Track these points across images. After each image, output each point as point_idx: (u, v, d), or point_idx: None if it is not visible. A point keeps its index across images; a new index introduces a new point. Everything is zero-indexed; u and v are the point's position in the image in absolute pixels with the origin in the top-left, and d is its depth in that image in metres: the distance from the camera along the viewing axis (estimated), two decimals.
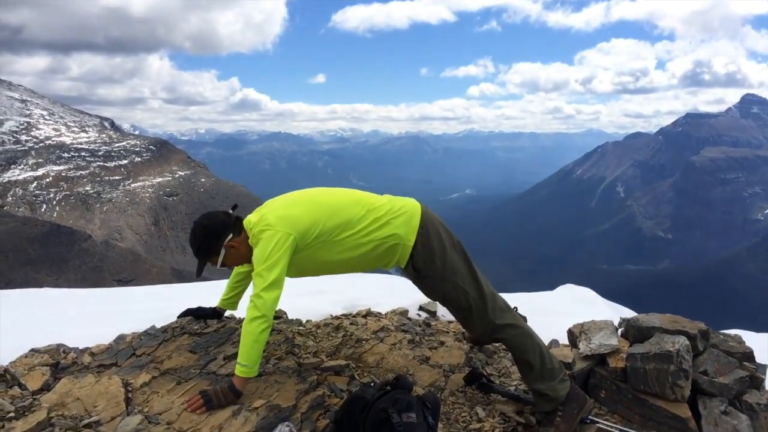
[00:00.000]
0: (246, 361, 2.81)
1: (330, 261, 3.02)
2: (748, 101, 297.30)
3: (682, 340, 3.41)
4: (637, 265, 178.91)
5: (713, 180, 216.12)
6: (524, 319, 3.88)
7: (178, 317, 3.83)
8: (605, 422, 3.33)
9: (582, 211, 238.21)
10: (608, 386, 3.59)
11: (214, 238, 2.98)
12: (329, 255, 2.99)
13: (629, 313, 5.98)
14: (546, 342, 4.37)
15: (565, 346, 4.25)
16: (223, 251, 2.98)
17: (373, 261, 3.07)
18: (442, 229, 3.11)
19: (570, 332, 3.99)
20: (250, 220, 3.02)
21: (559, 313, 5.55)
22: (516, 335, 3.17)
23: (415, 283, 3.27)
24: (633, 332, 3.79)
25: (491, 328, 3.15)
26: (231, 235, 2.99)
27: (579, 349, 3.75)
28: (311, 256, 2.96)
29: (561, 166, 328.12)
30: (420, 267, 3.05)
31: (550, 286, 8.06)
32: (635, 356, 3.45)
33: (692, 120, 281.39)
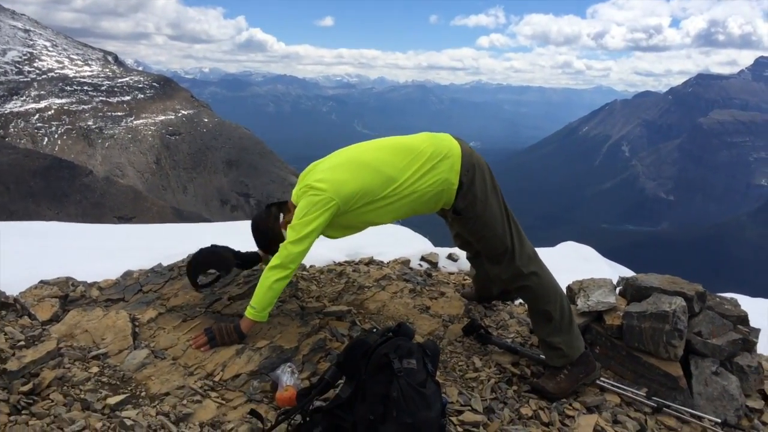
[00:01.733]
0: (257, 304, 2.88)
1: (376, 218, 3.04)
2: (762, 64, 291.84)
3: (679, 301, 3.46)
4: (637, 225, 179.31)
5: (719, 143, 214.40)
6: None
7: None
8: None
9: (586, 169, 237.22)
10: (603, 342, 3.66)
11: (269, 229, 3.16)
12: (375, 213, 2.98)
13: (628, 273, 6.05)
14: None
15: None
16: (283, 231, 3.03)
17: (421, 207, 3.04)
18: (486, 170, 3.08)
19: (569, 288, 4.04)
20: (296, 191, 3.06)
21: (559, 269, 5.60)
22: (540, 284, 3.18)
23: (451, 222, 3.30)
24: (631, 291, 3.84)
25: (516, 274, 3.16)
26: (282, 215, 3.11)
27: (577, 305, 3.80)
28: (357, 217, 2.97)
29: (568, 122, 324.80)
30: (461, 208, 3.04)
31: (550, 242, 8.10)
32: (632, 314, 3.51)
33: (703, 81, 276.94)
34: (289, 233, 2.84)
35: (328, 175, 2.90)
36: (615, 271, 5.97)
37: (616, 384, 3.38)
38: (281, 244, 2.86)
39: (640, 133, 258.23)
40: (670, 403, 3.27)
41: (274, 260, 2.83)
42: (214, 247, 3.43)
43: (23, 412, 2.23)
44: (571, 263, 6.41)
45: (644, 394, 3.32)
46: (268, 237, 3.18)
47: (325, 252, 4.78)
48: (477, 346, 3.61)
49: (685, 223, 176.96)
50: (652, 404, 3.26)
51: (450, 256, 5.25)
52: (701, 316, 3.64)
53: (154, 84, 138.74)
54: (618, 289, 4.03)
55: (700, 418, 3.26)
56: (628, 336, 3.52)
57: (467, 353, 3.48)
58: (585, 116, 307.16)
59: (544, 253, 6.91)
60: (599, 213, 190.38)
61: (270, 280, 2.83)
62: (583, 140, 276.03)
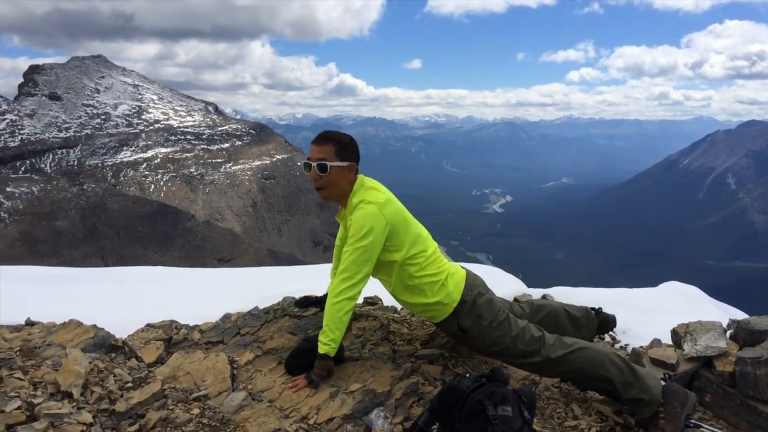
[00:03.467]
0: (330, 339, 2.94)
1: (384, 275, 3.17)
2: None
3: None
4: (747, 262, 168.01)
5: None
6: (599, 310, 3.80)
7: (296, 304, 3.97)
8: (710, 427, 3.19)
9: (688, 203, 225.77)
10: (714, 390, 3.43)
11: (352, 146, 3.09)
12: (387, 271, 3.12)
13: (739, 314, 5.66)
14: (647, 341, 4.23)
15: (669, 346, 4.08)
16: (342, 164, 3.03)
17: (417, 308, 3.22)
18: (493, 296, 3.26)
19: (674, 332, 3.84)
20: (360, 181, 3.11)
21: (661, 311, 5.32)
22: (579, 358, 3.11)
23: (461, 340, 3.37)
24: (743, 335, 3.59)
25: (549, 365, 3.14)
26: (351, 163, 3.07)
27: (684, 350, 3.60)
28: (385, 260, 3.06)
29: (666, 155, 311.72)
30: (466, 326, 3.14)
31: (650, 281, 7.73)
32: (745, 360, 3.27)
33: None
34: (348, 259, 2.91)
35: (387, 197, 3.05)
36: (724, 313, 5.60)
37: None
38: (340, 273, 2.92)
39: (747, 164, 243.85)
40: None
41: (339, 284, 2.91)
42: (307, 342, 3.32)
43: None
44: (675, 305, 6.07)
45: None
46: (346, 149, 3.05)
47: None
48: (576, 392, 3.48)
49: None
50: None
51: (544, 297, 5.11)
52: None
53: (251, 131, 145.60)
54: (729, 333, 3.77)
55: None
56: (742, 384, 3.28)
57: (565, 399, 3.36)
58: (685, 148, 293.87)
59: (646, 294, 6.62)
60: (704, 249, 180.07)
61: (338, 308, 2.90)
62: (684, 173, 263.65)
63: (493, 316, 3.12)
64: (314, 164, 3.00)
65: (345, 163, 3.02)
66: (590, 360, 3.10)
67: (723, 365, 3.44)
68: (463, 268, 3.30)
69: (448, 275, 3.15)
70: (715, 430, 3.18)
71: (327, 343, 2.93)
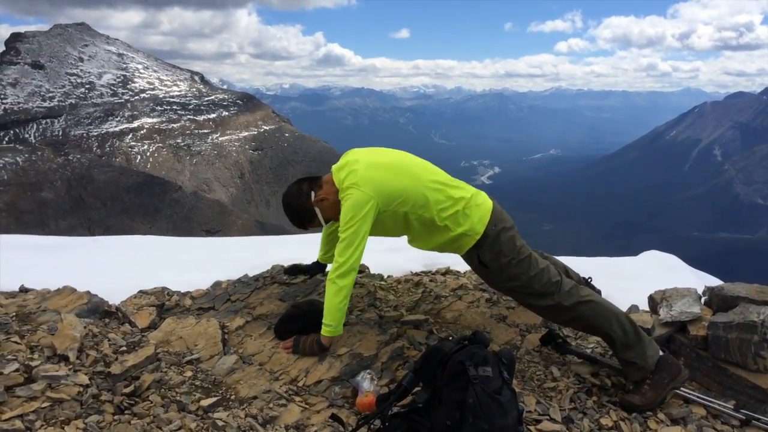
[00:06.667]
0: (331, 321, 2.99)
1: (404, 231, 3.18)
2: None
3: None
4: (732, 233, 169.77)
5: None
6: (599, 292, 3.88)
7: (285, 272, 4.04)
8: (683, 389, 3.32)
9: (674, 175, 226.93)
10: (688, 353, 3.56)
11: (302, 205, 3.14)
12: (405, 226, 3.11)
13: (715, 282, 5.81)
14: (625, 308, 4.36)
15: (645, 312, 4.22)
16: (317, 209, 3.12)
17: (438, 239, 3.16)
18: (515, 231, 3.20)
19: (651, 298, 3.95)
20: (338, 172, 3.09)
21: (641, 278, 5.46)
22: (586, 312, 3.15)
23: (479, 273, 3.32)
24: (717, 301, 3.72)
25: (559, 310, 3.17)
26: (313, 193, 3.12)
27: (659, 315, 3.72)
28: (390, 220, 3.05)
29: (654, 126, 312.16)
30: (486, 260, 3.12)
31: (632, 251, 7.88)
32: (717, 325, 3.40)
33: None
34: (340, 246, 2.90)
35: (370, 173, 2.97)
36: (701, 281, 5.75)
37: (702, 396, 3.28)
38: (335, 261, 2.92)
39: (733, 136, 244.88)
40: (760, 416, 3.15)
41: (333, 273, 2.91)
42: (295, 308, 3.42)
43: (126, 412, 2.43)
44: (654, 273, 6.22)
45: (732, 407, 3.21)
46: (301, 215, 3.18)
47: (402, 262, 4.87)
48: (555, 355, 3.59)
49: None
50: (741, 417, 3.15)
51: None
52: None
53: (238, 101, 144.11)
54: (703, 299, 3.90)
55: None
56: (714, 347, 3.42)
57: (545, 363, 3.47)
58: (672, 120, 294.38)
59: (626, 263, 6.77)
60: (689, 220, 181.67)
61: (336, 295, 2.92)
62: (671, 145, 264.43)
63: (515, 253, 3.11)
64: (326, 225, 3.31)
65: (317, 209, 3.13)
66: (599, 315, 3.14)
67: (696, 330, 3.56)
68: (491, 199, 3.26)
69: (472, 205, 3.11)
70: (688, 391, 3.31)
71: (327, 324, 2.99)
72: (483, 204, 3.15)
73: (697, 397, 3.27)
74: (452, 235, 3.08)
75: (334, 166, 3.17)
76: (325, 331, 3.01)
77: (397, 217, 3.03)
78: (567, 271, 3.73)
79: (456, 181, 3.24)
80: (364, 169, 2.98)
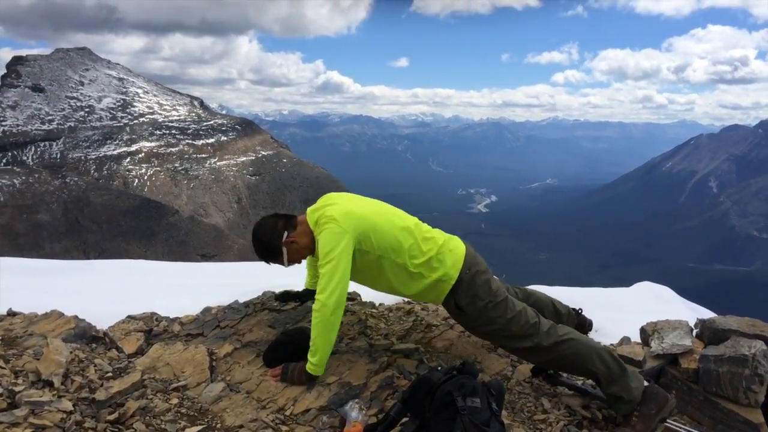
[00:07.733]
0: (318, 361, 2.97)
1: (379, 278, 3.17)
2: None
3: (759, 345, 3.32)
4: (727, 264, 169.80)
5: None
6: (590, 323, 3.89)
7: (275, 298, 4.03)
8: (674, 422, 3.30)
9: (669, 206, 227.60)
10: (679, 387, 3.54)
11: (271, 241, 3.15)
12: (378, 273, 3.12)
13: (708, 314, 5.80)
14: (617, 339, 4.35)
15: (637, 343, 4.20)
16: (284, 249, 3.14)
17: (422, 294, 3.18)
18: (490, 273, 3.23)
19: (643, 330, 3.94)
20: (313, 213, 3.14)
21: (633, 310, 5.45)
22: (569, 349, 3.14)
23: (456, 318, 3.35)
24: (708, 334, 3.71)
25: (541, 351, 3.17)
26: (286, 233, 3.13)
27: (651, 347, 3.71)
28: (363, 263, 3.07)
29: (650, 157, 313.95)
30: (463, 305, 3.13)
31: (626, 282, 7.87)
32: (708, 358, 3.38)
33: None
34: (321, 281, 2.89)
35: (346, 207, 3.04)
36: (694, 313, 5.73)
37: (692, 430, 3.26)
38: (317, 299, 2.90)
39: (729, 169, 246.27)
40: None
41: (318, 316, 2.88)
42: (285, 336, 3.41)
43: None
44: (647, 304, 6.21)
45: None
46: (268, 251, 3.19)
47: None
48: (546, 387, 3.57)
49: None
50: None
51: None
52: None
53: (237, 126, 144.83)
54: (695, 332, 3.89)
55: None
56: (705, 380, 3.40)
57: (536, 394, 3.45)
58: (668, 151, 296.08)
59: (619, 293, 6.76)
60: (685, 251, 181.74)
61: (323, 336, 2.91)
62: (666, 176, 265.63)
63: (491, 296, 3.12)
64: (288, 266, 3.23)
65: (284, 250, 3.14)
66: (579, 353, 3.13)
67: (688, 362, 3.54)
68: (464, 243, 3.28)
69: (445, 250, 3.13)
70: (679, 425, 3.29)
71: (314, 363, 2.97)
72: (456, 249, 3.19)
73: (688, 431, 3.24)
74: (427, 282, 3.10)
75: (309, 208, 3.21)
76: (309, 368, 2.99)
77: (370, 261, 3.05)
78: (554, 304, 3.75)
79: (429, 229, 3.27)
80: (341, 207, 3.05)
